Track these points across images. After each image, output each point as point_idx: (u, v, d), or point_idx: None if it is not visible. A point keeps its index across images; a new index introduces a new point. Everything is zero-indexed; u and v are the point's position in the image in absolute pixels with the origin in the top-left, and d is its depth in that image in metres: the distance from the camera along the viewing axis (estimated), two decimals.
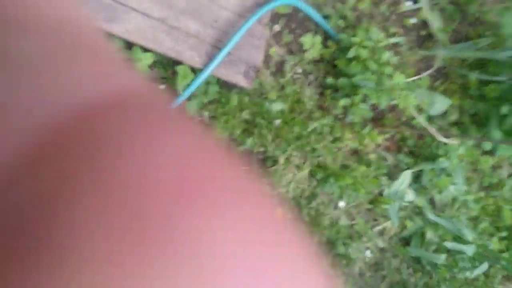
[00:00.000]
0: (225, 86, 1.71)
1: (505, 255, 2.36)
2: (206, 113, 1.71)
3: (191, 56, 1.61)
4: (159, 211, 0.16)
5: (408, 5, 2.04)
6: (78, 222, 0.16)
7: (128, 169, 0.17)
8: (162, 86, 1.64)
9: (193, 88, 1.60)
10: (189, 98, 1.66)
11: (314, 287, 0.19)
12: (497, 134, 2.16)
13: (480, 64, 2.19)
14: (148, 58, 1.57)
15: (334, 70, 1.91)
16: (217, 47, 1.65)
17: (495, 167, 2.36)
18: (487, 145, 2.23)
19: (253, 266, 0.17)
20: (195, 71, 1.62)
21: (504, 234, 2.39)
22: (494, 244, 2.34)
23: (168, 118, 0.21)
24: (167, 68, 1.63)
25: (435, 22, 2.07)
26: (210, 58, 1.63)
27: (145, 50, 1.57)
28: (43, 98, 0.20)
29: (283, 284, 0.17)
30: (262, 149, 1.81)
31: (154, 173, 0.17)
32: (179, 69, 1.59)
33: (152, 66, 1.62)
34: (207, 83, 1.68)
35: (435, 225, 2.16)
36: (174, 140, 0.19)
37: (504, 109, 2.14)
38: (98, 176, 0.17)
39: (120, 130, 0.19)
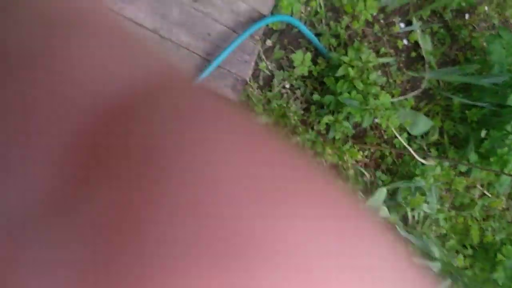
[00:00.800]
0: None
1: (468, 272, 2.44)
2: None
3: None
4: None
5: (401, 27, 2.05)
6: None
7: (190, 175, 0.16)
8: None
9: None
10: None
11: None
12: (473, 156, 2.21)
13: (465, 88, 2.22)
14: None
15: (322, 87, 1.92)
16: (207, 59, 1.64)
17: (468, 187, 2.41)
18: (463, 167, 2.27)
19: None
20: None
21: (469, 252, 2.46)
22: (459, 262, 2.41)
23: (218, 102, 0.20)
24: None
25: (426, 45, 2.09)
26: (200, 71, 1.63)
27: None
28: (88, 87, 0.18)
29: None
30: None
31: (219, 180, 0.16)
32: None
33: None
34: None
35: (406, 242, 2.22)
36: (235, 129, 0.18)
37: (483, 133, 2.18)
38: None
39: (176, 116, 0.17)
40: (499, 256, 2.48)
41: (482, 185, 2.43)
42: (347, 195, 0.19)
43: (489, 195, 2.46)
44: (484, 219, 2.51)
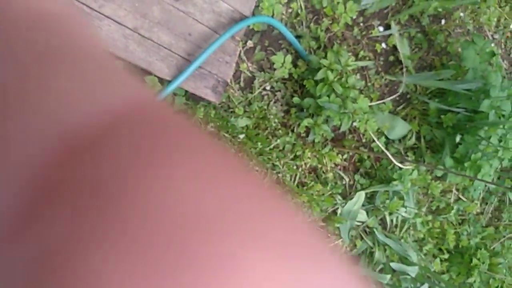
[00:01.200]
0: (193, 98, 1.69)
1: (445, 276, 2.46)
2: None
3: (160, 67, 1.58)
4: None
5: (380, 31, 2.06)
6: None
7: (145, 196, 0.17)
8: None
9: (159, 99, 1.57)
10: None
11: None
12: (449, 161, 2.23)
13: (441, 93, 2.25)
14: None
15: (301, 89, 1.92)
16: (188, 60, 1.62)
17: (444, 192, 2.43)
18: (439, 172, 2.29)
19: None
20: (163, 82, 1.59)
21: (446, 256, 2.48)
22: (436, 266, 2.43)
23: (182, 132, 0.20)
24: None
25: (403, 49, 2.11)
26: (180, 71, 1.60)
27: (115, 57, 1.53)
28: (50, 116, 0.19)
29: None
30: None
31: (172, 202, 0.17)
32: (148, 79, 1.56)
33: None
34: (174, 94, 1.66)
35: (383, 246, 2.22)
36: (191, 158, 0.18)
37: (458, 138, 2.21)
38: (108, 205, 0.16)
39: (134, 149, 0.18)
40: (475, 261, 2.50)
41: (457, 190, 2.46)
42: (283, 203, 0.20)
43: (464, 200, 2.49)
44: (459, 223, 2.54)
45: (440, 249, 2.47)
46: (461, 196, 2.49)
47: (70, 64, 0.21)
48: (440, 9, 2.16)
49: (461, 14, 2.30)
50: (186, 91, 1.66)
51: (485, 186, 2.49)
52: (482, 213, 2.62)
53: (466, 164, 2.22)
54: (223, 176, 0.19)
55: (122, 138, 0.19)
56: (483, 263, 2.51)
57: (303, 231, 0.20)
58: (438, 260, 2.45)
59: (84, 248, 0.16)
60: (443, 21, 2.29)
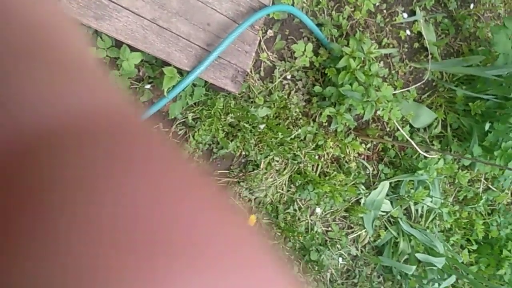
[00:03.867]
0: (212, 88, 1.69)
1: (473, 268, 2.41)
2: (190, 115, 1.68)
3: (179, 58, 1.58)
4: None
5: (404, 17, 2.02)
6: None
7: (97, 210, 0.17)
8: (148, 86, 1.61)
9: (178, 90, 1.57)
10: (174, 99, 1.63)
11: None
12: (477, 150, 2.18)
13: (469, 80, 2.19)
14: (136, 58, 1.53)
15: (323, 78, 1.90)
16: (207, 50, 1.61)
17: (472, 181, 2.38)
18: (466, 161, 2.24)
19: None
20: (183, 73, 1.59)
21: (474, 247, 2.43)
22: (464, 257, 2.38)
23: (144, 148, 0.20)
24: (154, 68, 1.60)
25: (429, 36, 2.06)
26: (199, 61, 1.59)
27: (134, 49, 1.54)
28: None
29: None
30: (244, 153, 1.80)
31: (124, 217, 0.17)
32: (166, 70, 1.56)
33: (139, 66, 1.58)
34: (194, 85, 1.65)
35: (408, 236, 2.19)
36: (146, 168, 0.19)
37: (487, 126, 2.15)
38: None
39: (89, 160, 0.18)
40: (505, 252, 2.45)
41: (486, 179, 2.40)
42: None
43: (494, 189, 2.43)
44: (489, 214, 2.49)
45: (468, 240, 2.42)
46: (490, 186, 2.43)
47: (38, 63, 0.21)
48: None
49: None
50: (206, 82, 1.66)
51: None
52: None
53: (496, 153, 2.16)
54: (179, 189, 0.19)
55: (75, 141, 0.19)
56: None
57: (246, 243, 0.20)
58: (466, 251, 2.40)
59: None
60: (471, 5, 2.23)
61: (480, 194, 2.40)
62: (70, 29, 0.25)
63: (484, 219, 2.45)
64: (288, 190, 1.92)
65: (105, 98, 0.22)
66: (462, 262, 2.36)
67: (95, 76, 0.23)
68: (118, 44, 1.50)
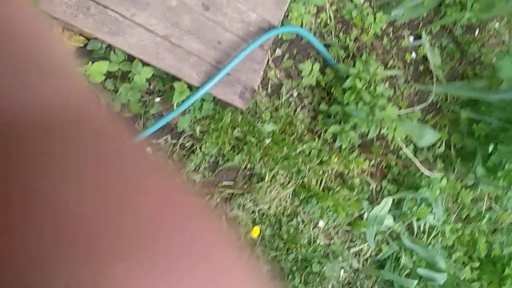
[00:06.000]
0: (220, 103, 1.77)
1: (476, 284, 2.45)
2: (198, 128, 1.77)
3: (190, 74, 1.66)
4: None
5: (410, 41, 2.09)
6: None
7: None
8: (158, 99, 1.70)
9: (187, 104, 1.65)
10: (183, 113, 1.72)
11: None
12: (481, 170, 2.23)
13: (473, 103, 2.25)
14: (147, 72, 1.62)
15: (329, 97, 1.97)
16: (217, 67, 1.70)
17: (475, 200, 2.43)
18: (470, 181, 2.29)
19: None
20: (192, 88, 1.68)
21: (476, 264, 2.47)
22: (466, 274, 2.42)
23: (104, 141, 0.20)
24: (165, 82, 1.69)
25: (434, 59, 2.13)
26: (209, 77, 1.68)
27: (146, 63, 1.63)
28: None
29: None
30: (249, 166, 1.87)
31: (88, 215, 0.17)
32: (177, 85, 1.64)
33: (150, 79, 1.67)
34: (203, 99, 1.74)
35: (410, 251, 2.24)
36: (114, 165, 0.19)
37: (490, 148, 2.20)
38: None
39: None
40: (508, 271, 2.48)
41: (490, 198, 2.45)
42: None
43: (497, 209, 2.47)
44: (491, 233, 2.52)
45: (470, 257, 2.46)
46: (493, 205, 2.47)
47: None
48: (473, 20, 2.16)
49: (496, 25, 2.29)
50: (214, 97, 1.74)
51: None
52: None
53: (499, 174, 2.21)
54: (148, 185, 0.20)
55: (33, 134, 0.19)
56: None
57: (223, 249, 0.20)
58: (468, 268, 2.44)
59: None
60: (476, 32, 2.29)
61: (483, 213, 2.45)
62: (38, 24, 0.25)
63: (487, 237, 2.49)
64: (291, 203, 1.99)
65: (71, 93, 0.22)
66: (464, 279, 2.40)
67: (63, 71, 0.23)
68: (130, 58, 1.59)
